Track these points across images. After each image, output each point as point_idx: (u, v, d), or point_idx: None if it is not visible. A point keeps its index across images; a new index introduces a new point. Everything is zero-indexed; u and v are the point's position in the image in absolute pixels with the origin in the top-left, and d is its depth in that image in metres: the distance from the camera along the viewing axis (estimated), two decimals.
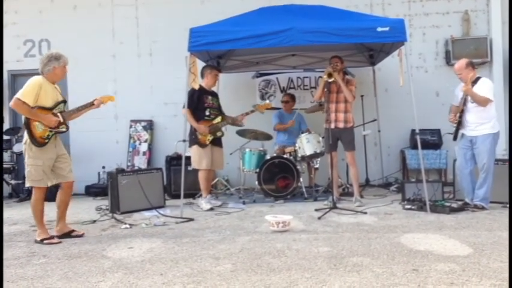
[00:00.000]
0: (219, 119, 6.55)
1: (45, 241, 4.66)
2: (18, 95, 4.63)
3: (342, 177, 7.44)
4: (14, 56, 8.73)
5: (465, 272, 3.30)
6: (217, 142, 6.56)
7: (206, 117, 6.47)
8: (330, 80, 6.15)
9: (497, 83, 7.92)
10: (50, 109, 4.78)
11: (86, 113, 5.24)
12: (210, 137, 6.43)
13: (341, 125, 6.38)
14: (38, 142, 4.69)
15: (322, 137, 6.90)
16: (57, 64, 4.80)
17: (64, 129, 4.89)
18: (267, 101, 6.91)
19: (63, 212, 4.97)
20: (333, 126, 6.36)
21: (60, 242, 4.69)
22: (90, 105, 5.12)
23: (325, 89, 6.23)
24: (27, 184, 4.77)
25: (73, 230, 5.01)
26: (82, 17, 8.70)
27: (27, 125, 4.68)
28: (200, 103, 6.45)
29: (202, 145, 6.40)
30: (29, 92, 4.63)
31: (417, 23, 8.35)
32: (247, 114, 6.70)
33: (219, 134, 6.54)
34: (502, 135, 7.74)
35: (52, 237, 4.75)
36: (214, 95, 6.74)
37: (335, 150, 6.44)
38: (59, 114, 4.84)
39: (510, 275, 3.08)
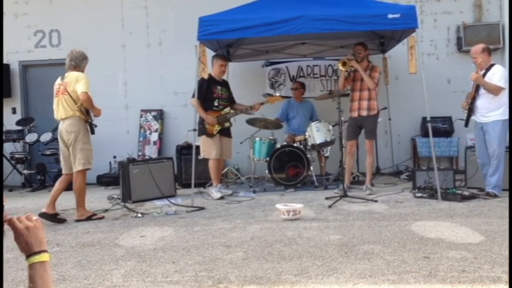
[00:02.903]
0: (227, 109, 6.53)
1: (93, 218, 5.25)
2: (84, 89, 5.07)
3: (353, 165, 7.42)
4: (25, 46, 8.77)
5: (477, 260, 3.30)
6: (225, 132, 6.55)
7: (215, 108, 6.46)
8: (342, 69, 6.16)
9: (509, 69, 7.82)
10: None
11: None
12: (217, 128, 6.41)
13: (364, 113, 6.37)
14: (93, 130, 5.34)
15: (333, 125, 6.89)
16: (86, 63, 5.39)
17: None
18: (278, 94, 6.83)
19: (57, 197, 5.35)
20: (356, 114, 6.41)
21: (103, 217, 5.33)
22: None
23: (343, 77, 6.32)
24: (85, 167, 5.23)
25: (57, 214, 5.36)
26: (92, 6, 8.69)
27: (88, 113, 5.27)
28: (209, 93, 6.44)
29: (210, 135, 6.40)
30: (89, 86, 5.15)
31: (428, 9, 8.25)
32: (262, 104, 6.59)
33: (227, 124, 6.52)
34: None
35: (95, 214, 5.36)
36: (224, 84, 6.70)
37: (355, 139, 6.44)
38: None
39: (510, 268, 3.06)
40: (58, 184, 5.34)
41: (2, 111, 8.51)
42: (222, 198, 6.26)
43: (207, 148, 6.43)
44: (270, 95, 7.08)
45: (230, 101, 6.69)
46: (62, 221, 5.22)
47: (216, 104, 6.48)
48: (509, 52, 7.66)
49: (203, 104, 6.38)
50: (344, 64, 6.13)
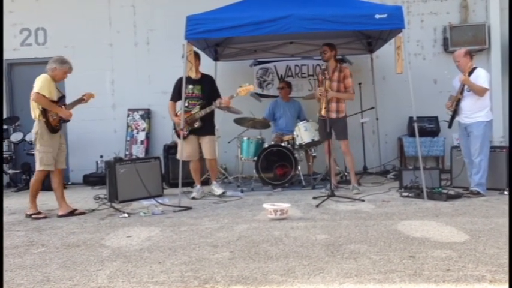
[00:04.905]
0: (197, 108, 6.28)
1: (33, 216, 5.38)
2: (36, 89, 5.30)
3: (339, 165, 7.45)
4: (11, 44, 8.67)
5: (461, 259, 3.32)
6: (200, 132, 6.31)
7: (186, 108, 6.28)
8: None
9: (495, 69, 7.91)
10: (55, 102, 5.47)
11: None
12: (187, 129, 6.28)
13: (333, 115, 6.35)
14: (53, 128, 5.41)
15: None
16: (58, 66, 5.47)
17: (69, 119, 5.69)
18: (247, 84, 6.46)
19: (63, 193, 5.61)
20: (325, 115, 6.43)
21: (45, 217, 5.38)
22: (81, 100, 5.83)
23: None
24: (39, 168, 5.41)
25: (76, 209, 5.63)
26: (78, 5, 8.63)
27: (44, 115, 5.34)
28: (179, 94, 6.25)
29: (182, 137, 6.28)
30: (44, 86, 5.32)
31: (415, 9, 8.31)
32: (231, 97, 6.27)
33: (196, 125, 6.26)
34: (500, 122, 7.76)
35: (39, 213, 5.44)
36: (200, 82, 6.38)
37: (328, 139, 6.46)
38: (63, 106, 5.54)
39: (510, 265, 3.09)
40: (52, 184, 5.61)
41: (2, 109, 8.42)
42: (193, 198, 6.25)
43: (180, 149, 6.33)
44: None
45: (206, 99, 6.31)
46: (82, 213, 5.56)
47: (186, 104, 6.31)
48: (510, 52, 7.75)
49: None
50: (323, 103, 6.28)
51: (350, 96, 6.47)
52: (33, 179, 5.51)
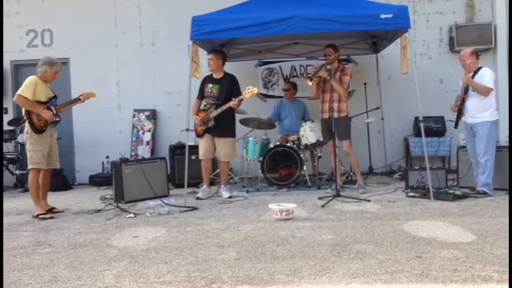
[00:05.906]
0: (212, 108, 6.30)
1: (40, 216, 5.40)
2: (19, 91, 5.45)
3: (344, 165, 7.44)
4: (17, 46, 8.72)
5: (468, 259, 3.31)
6: (215, 131, 6.31)
7: (204, 107, 6.39)
8: (310, 84, 6.41)
9: (502, 69, 7.87)
10: (44, 103, 5.54)
11: (76, 105, 6.15)
12: (203, 127, 6.33)
13: (335, 114, 6.26)
14: (38, 129, 5.48)
15: None
16: (48, 69, 5.57)
17: (58, 119, 5.65)
18: (250, 87, 6.41)
19: (46, 192, 5.76)
20: (326, 116, 6.41)
21: (52, 218, 5.38)
22: (77, 100, 5.91)
23: (316, 84, 6.46)
24: (30, 167, 5.54)
25: (54, 207, 5.78)
26: (84, 6, 8.66)
27: (28, 115, 5.46)
28: (202, 93, 6.45)
29: (198, 135, 6.43)
30: (27, 89, 5.44)
31: (421, 9, 8.29)
32: (240, 100, 6.23)
33: (210, 124, 6.27)
34: (507, 121, 7.72)
35: (46, 213, 5.49)
36: (219, 81, 6.38)
37: (333, 139, 6.44)
38: (52, 107, 5.59)
39: (510, 264, 3.08)
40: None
41: (2, 110, 8.46)
42: (198, 198, 6.26)
43: (199, 147, 6.47)
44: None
45: (223, 99, 6.26)
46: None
47: (204, 103, 6.41)
48: (510, 53, 7.71)
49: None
50: (311, 79, 6.36)
51: (340, 89, 6.24)
52: (29, 180, 5.59)
